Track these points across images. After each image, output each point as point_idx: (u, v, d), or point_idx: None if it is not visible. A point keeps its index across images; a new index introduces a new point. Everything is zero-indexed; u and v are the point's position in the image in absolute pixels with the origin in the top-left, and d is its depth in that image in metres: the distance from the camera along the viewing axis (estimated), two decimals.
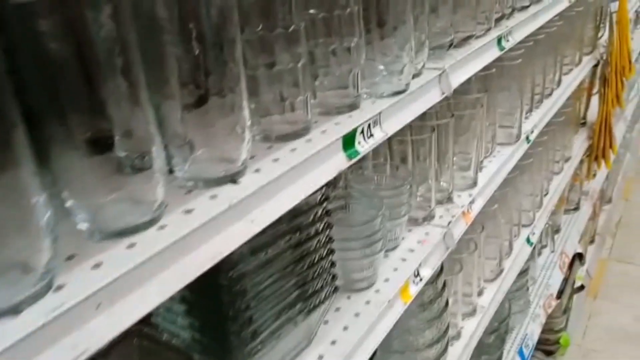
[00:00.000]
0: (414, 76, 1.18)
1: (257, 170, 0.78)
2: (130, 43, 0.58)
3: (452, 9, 1.35)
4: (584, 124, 3.07)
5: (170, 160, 0.72)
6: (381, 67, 1.14)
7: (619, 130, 4.23)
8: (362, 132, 0.98)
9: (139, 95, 0.60)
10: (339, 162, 0.91)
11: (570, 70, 2.47)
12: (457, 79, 1.27)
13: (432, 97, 1.20)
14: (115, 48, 0.56)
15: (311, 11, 0.90)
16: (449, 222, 1.39)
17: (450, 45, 1.30)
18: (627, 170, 4.76)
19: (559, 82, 2.30)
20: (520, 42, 1.69)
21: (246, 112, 0.75)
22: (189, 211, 0.68)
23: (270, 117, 0.86)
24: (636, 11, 3.55)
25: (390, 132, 1.05)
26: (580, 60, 2.56)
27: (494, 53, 1.51)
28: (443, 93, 1.22)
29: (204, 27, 0.66)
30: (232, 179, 0.75)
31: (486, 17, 1.49)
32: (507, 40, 1.55)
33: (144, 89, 0.61)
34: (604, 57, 2.81)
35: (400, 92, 1.09)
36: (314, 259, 0.99)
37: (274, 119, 0.86)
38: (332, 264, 1.04)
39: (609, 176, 3.82)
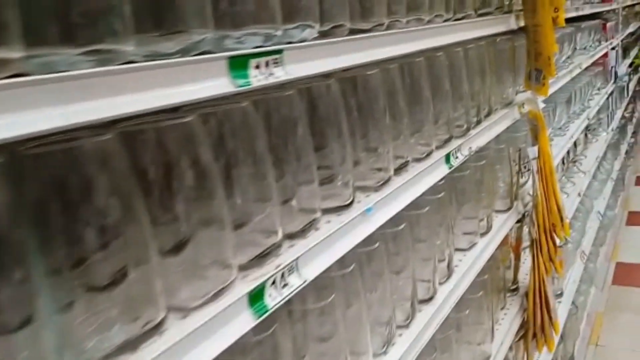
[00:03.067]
0: None
1: None
2: None
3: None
4: (515, 289, 2.39)
5: None
6: None
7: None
8: None
9: None
10: None
11: (473, 244, 1.82)
12: None
13: None
14: None
15: None
16: None
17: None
18: (592, 308, 4.05)
19: (449, 274, 1.63)
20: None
21: None
22: None
23: None
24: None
25: None
26: (488, 227, 1.92)
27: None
28: None
29: None
30: None
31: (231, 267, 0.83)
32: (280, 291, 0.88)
33: None
34: (529, 212, 2.19)
35: None
36: None
37: None
38: None
39: (565, 335, 3.11)
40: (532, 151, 2.07)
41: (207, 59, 0.76)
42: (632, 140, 6.69)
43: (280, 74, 0.88)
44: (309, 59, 0.96)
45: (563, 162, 3.40)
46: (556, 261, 2.18)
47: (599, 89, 4.44)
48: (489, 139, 1.84)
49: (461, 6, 1.64)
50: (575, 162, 3.81)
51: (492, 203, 2.00)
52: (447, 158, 1.55)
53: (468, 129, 1.72)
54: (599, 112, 4.43)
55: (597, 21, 4.36)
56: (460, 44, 1.66)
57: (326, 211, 1.10)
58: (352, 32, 1.16)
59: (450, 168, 1.55)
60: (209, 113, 0.84)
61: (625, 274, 4.68)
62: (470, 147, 1.70)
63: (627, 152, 6.06)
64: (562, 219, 2.15)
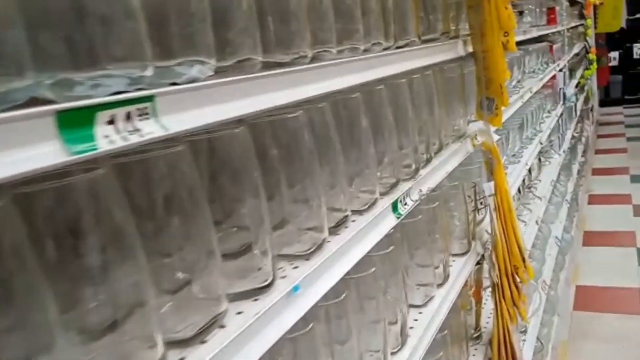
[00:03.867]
0: None
1: None
2: None
3: None
4: (478, 337, 2.19)
5: None
6: None
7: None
8: None
9: None
10: None
11: (429, 299, 1.60)
12: None
13: None
14: None
15: None
16: None
17: None
18: (557, 338, 3.90)
19: (403, 340, 1.40)
20: None
21: None
22: None
23: None
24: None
25: None
26: (445, 276, 1.71)
27: None
28: None
29: None
30: None
31: None
32: None
33: None
34: (489, 253, 1.99)
35: None
36: None
37: None
38: None
39: None
40: (488, 187, 1.88)
41: (17, 117, 0.51)
42: (583, 159, 6.72)
43: (151, 130, 0.63)
44: (197, 106, 0.72)
45: (519, 191, 3.26)
46: (520, 306, 1.98)
47: (549, 112, 4.37)
48: (441, 177, 1.63)
49: (403, 32, 1.45)
50: (530, 188, 3.69)
51: (447, 247, 1.79)
52: (395, 206, 1.33)
53: (417, 170, 1.51)
54: (550, 134, 4.36)
55: (544, 43, 4.31)
56: (404, 74, 1.46)
57: (237, 297, 0.85)
58: (267, 66, 0.93)
59: (398, 217, 1.33)
60: (41, 190, 0.58)
61: (586, 299, 4.58)
62: (420, 190, 1.48)
63: (578, 172, 6.06)
64: (524, 260, 1.96)
